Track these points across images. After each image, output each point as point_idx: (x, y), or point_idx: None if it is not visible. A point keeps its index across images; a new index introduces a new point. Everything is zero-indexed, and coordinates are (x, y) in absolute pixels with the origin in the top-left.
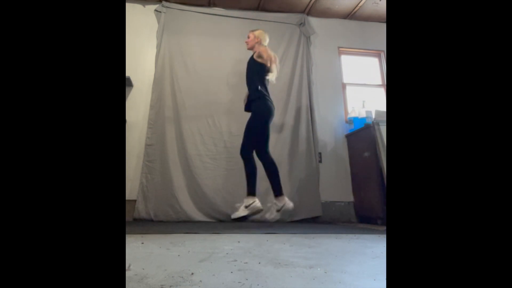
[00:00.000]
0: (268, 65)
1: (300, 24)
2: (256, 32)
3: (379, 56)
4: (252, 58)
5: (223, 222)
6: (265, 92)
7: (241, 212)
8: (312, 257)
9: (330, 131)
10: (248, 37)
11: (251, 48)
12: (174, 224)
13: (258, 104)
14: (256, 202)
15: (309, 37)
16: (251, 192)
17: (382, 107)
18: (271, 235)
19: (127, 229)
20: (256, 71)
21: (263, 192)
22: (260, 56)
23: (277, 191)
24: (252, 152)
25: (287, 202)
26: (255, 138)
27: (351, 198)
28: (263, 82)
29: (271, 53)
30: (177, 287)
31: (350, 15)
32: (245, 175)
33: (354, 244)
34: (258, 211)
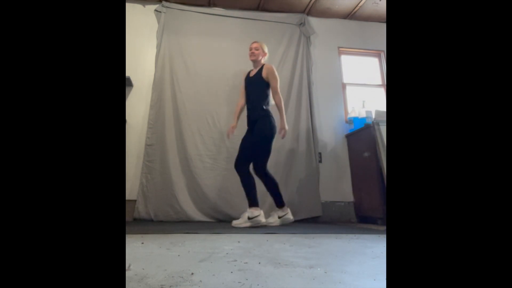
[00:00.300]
0: (275, 85)
1: (300, 24)
2: (262, 44)
3: (379, 56)
4: (259, 75)
5: (223, 222)
6: (270, 111)
7: (243, 223)
8: (312, 257)
9: (330, 131)
10: (257, 49)
11: (255, 60)
12: (174, 224)
13: (264, 122)
14: (261, 216)
15: (309, 37)
16: (254, 203)
17: (382, 107)
18: (271, 235)
19: (127, 229)
20: (262, 89)
21: (263, 192)
22: (268, 77)
23: (279, 203)
24: (249, 166)
25: (289, 213)
26: (257, 156)
27: (351, 198)
28: (268, 100)
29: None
30: (177, 287)
31: (350, 15)
32: (243, 188)
33: (354, 244)
34: (261, 225)
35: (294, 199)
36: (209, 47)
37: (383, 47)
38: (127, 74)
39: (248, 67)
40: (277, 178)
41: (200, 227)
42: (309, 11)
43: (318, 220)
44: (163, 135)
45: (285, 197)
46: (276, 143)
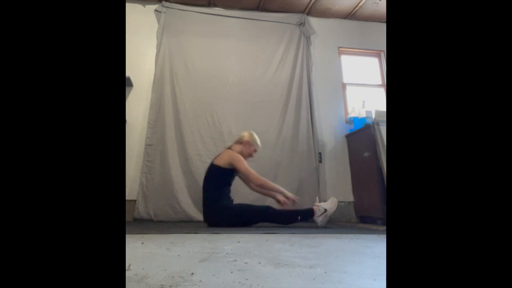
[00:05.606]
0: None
1: (300, 24)
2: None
3: (379, 56)
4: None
5: None
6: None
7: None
8: (312, 257)
9: (330, 131)
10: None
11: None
12: (174, 224)
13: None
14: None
15: (309, 37)
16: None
17: (382, 107)
18: (271, 235)
19: (127, 229)
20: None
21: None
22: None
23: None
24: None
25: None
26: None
27: (351, 198)
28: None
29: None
30: (177, 287)
31: (350, 15)
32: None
33: (354, 244)
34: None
35: None
36: (209, 47)
37: (383, 47)
38: (127, 74)
39: (247, 67)
40: (277, 178)
41: (200, 227)
42: (309, 11)
43: None
44: (163, 135)
45: None
46: (276, 142)
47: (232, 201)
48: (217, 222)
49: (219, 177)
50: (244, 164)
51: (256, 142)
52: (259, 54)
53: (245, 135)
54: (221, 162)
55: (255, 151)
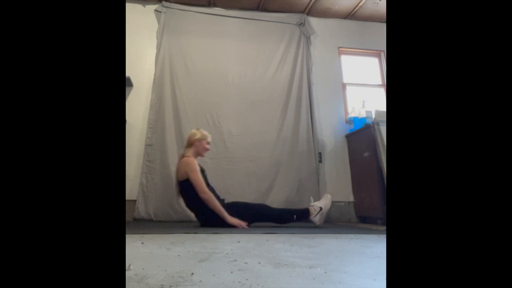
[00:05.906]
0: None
1: (300, 24)
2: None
3: (379, 56)
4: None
5: None
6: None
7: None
8: (312, 257)
9: (330, 131)
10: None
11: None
12: (174, 224)
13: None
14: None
15: (309, 37)
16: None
17: (382, 107)
18: (271, 235)
19: (127, 229)
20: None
21: (263, 192)
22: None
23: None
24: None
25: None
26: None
27: (351, 198)
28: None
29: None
30: (177, 287)
31: (350, 15)
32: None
33: (354, 244)
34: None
35: (294, 199)
36: (209, 47)
37: (383, 47)
38: (127, 74)
39: (247, 67)
40: (277, 178)
41: (200, 227)
42: (309, 11)
43: None
44: (163, 135)
45: (285, 197)
46: (276, 142)
47: (223, 200)
48: (214, 223)
49: (191, 189)
50: (196, 174)
51: (204, 135)
52: (259, 54)
53: (195, 133)
54: (182, 175)
55: (208, 143)
